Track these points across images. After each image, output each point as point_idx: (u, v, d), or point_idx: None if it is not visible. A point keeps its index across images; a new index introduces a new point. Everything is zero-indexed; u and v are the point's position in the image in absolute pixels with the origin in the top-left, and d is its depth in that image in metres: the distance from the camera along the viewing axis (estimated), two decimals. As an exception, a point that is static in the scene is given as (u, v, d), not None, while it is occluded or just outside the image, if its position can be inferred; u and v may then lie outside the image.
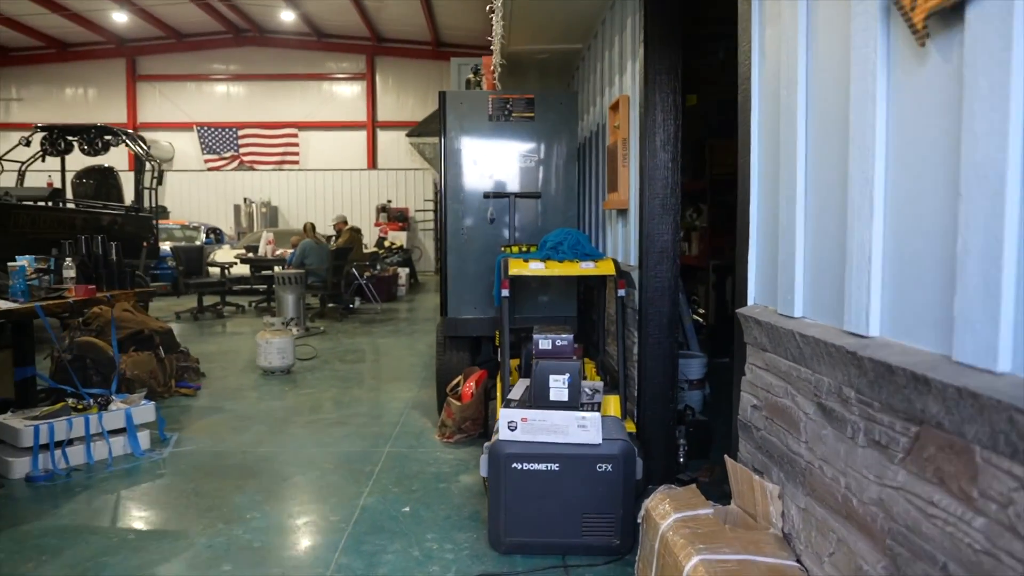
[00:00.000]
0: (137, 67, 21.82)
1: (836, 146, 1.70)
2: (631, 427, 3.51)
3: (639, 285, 3.83)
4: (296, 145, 21.59)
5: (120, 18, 18.79)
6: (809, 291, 1.85)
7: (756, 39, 2.20)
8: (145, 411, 4.59)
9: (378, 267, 13.18)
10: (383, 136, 21.82)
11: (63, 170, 11.11)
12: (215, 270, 12.01)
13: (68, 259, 4.75)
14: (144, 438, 4.56)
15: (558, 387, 2.98)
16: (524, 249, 4.04)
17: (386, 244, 15.73)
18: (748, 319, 2.15)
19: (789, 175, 1.93)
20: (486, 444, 3.18)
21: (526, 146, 4.89)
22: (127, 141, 10.70)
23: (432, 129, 12.53)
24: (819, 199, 1.81)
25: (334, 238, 12.86)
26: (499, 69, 6.12)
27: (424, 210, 21.29)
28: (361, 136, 21.76)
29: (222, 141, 21.48)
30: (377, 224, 20.11)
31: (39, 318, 4.17)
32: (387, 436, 4.85)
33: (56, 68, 21.72)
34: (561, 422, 2.90)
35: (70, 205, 9.62)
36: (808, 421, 1.78)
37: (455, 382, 4.87)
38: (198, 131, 21.42)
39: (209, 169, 21.66)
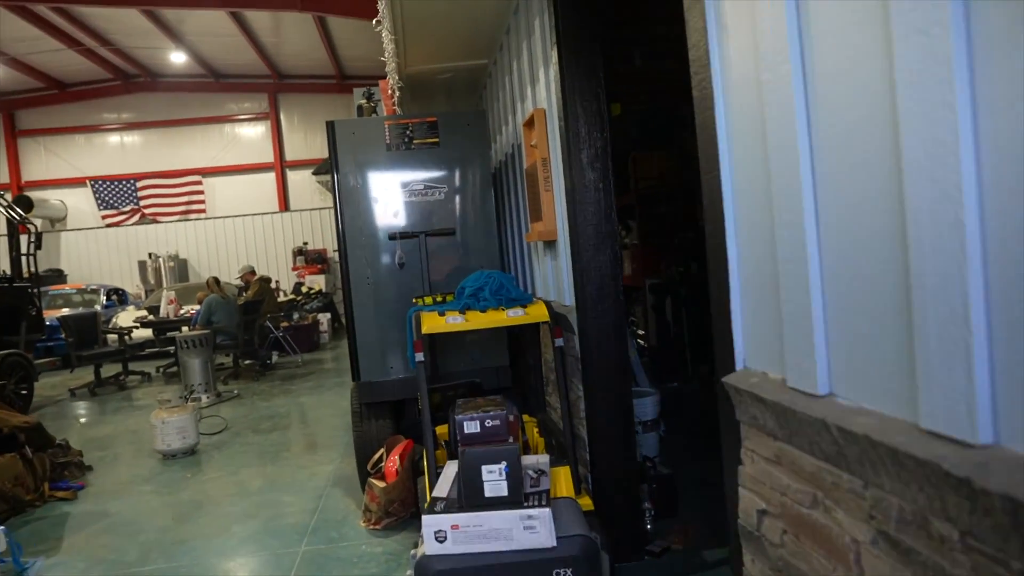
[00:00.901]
0: (16, 122, 20.28)
1: (872, 142, 1.14)
2: (587, 503, 2.89)
3: (579, 329, 3.24)
4: (201, 192, 20.40)
5: (-9, 72, 17.39)
6: (841, 357, 1.28)
7: (711, 6, 1.64)
8: (-6, 539, 3.72)
9: (296, 316, 12.29)
10: (293, 176, 20.85)
11: (-74, 244, 9.91)
12: (114, 337, 10.90)
13: None
14: (-5, 573, 3.69)
15: (494, 480, 2.35)
16: (439, 299, 3.41)
17: (303, 289, 14.82)
18: (741, 393, 1.57)
19: (790, 191, 1.36)
20: (412, 554, 2.51)
21: (433, 176, 4.27)
22: (-4, 205, 9.61)
23: (340, 164, 11.81)
24: (846, 221, 1.24)
25: (242, 291, 11.94)
26: (397, 93, 5.50)
27: (344, 248, 20.40)
28: (270, 177, 20.75)
29: (120, 195, 20.12)
30: (295, 268, 19.11)
31: None
32: (303, 529, 4.10)
33: (-75, 130, 20.03)
34: (502, 525, 2.27)
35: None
36: (864, 553, 1.19)
37: (376, 456, 4.17)
38: (92, 185, 20.01)
39: (108, 225, 20.24)
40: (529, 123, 3.85)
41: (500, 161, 5.20)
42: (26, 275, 9.69)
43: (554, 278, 3.80)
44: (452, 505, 2.39)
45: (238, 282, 12.29)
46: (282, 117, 20.84)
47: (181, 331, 10.97)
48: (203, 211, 20.40)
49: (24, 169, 20.31)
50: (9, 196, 18.53)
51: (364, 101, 5.98)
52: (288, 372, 10.30)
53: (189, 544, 4.08)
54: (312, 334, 12.58)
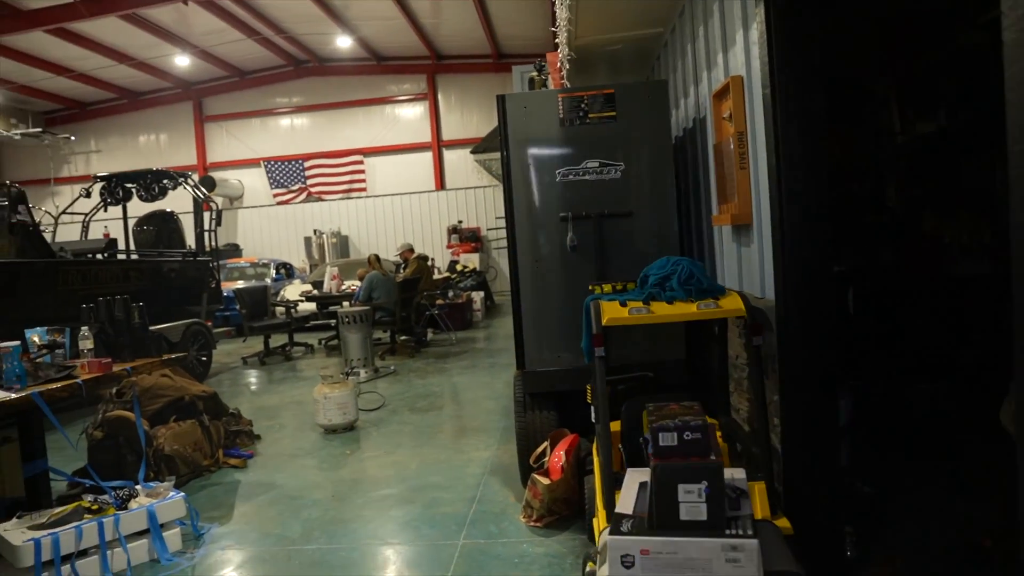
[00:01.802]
0: (204, 108, 21.95)
1: None
2: (785, 526, 2.50)
3: (778, 327, 2.82)
4: (362, 172, 21.21)
5: (183, 62, 18.82)
6: None
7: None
8: (173, 506, 3.84)
9: (451, 294, 12.41)
10: (449, 155, 21.20)
11: (125, 218, 10.80)
12: (282, 309, 11.47)
13: (84, 328, 4.08)
14: (173, 537, 3.81)
15: (692, 501, 2.02)
16: (619, 287, 3.10)
17: (458, 267, 14.98)
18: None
19: None
20: (589, 572, 2.24)
21: (609, 152, 3.94)
22: (183, 183, 10.29)
23: (497, 144, 11.71)
24: None
25: (401, 267, 12.19)
26: (567, 65, 5.20)
27: (497, 228, 20.50)
28: (427, 157, 21.21)
29: (289, 174, 21.31)
30: (449, 246, 19.47)
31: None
32: (461, 519, 3.95)
33: (129, 117, 22.08)
34: (700, 555, 1.95)
35: (122, 256, 9.22)
36: None
37: (540, 450, 3.95)
38: (265, 166, 21.32)
39: (278, 203, 21.53)
40: (721, 93, 3.43)
41: (678, 137, 4.78)
42: (208, 249, 10.34)
43: (746, 266, 3.38)
44: (641, 526, 2.10)
45: (396, 259, 12.57)
46: (440, 97, 21.20)
47: (342, 306, 11.39)
48: (364, 189, 21.20)
49: (209, 151, 21.98)
50: (196, 176, 20.17)
51: (535, 74, 5.74)
52: (442, 350, 10.39)
53: (349, 525, 4.05)
54: (466, 312, 12.66)
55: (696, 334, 4.12)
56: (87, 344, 4.06)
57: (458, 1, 16.40)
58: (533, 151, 3.97)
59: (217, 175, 20.92)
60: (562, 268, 3.97)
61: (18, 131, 20.37)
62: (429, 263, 11.57)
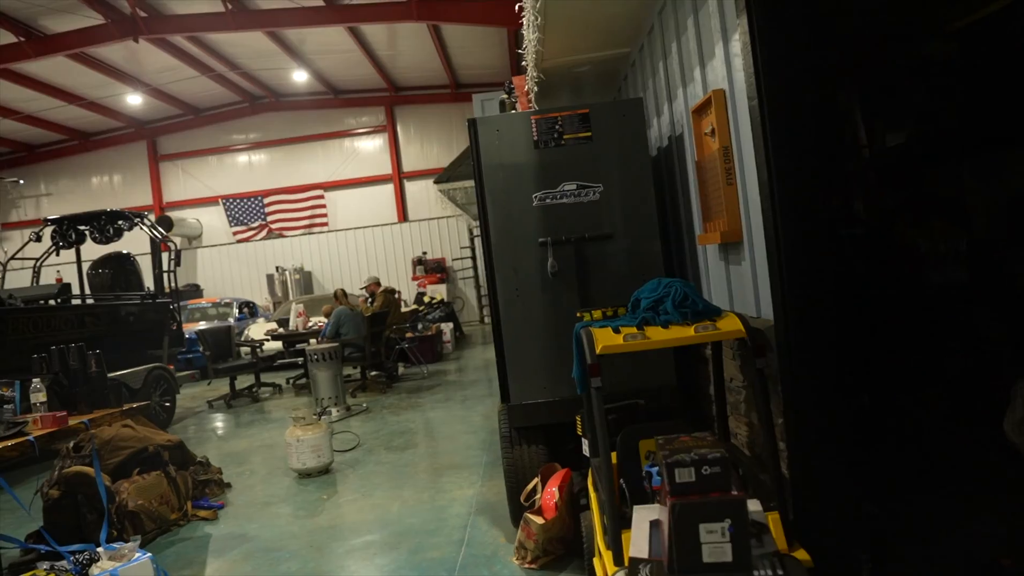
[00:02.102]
0: (158, 147, 21.54)
1: None
2: (805, 558, 2.35)
3: (779, 347, 2.71)
4: (323, 207, 20.95)
5: (135, 100, 18.47)
6: None
7: None
8: (140, 568, 3.57)
9: (420, 327, 12.19)
10: (411, 187, 21.08)
11: (79, 262, 10.42)
12: (247, 349, 11.12)
13: (35, 380, 3.81)
14: (141, 604, 3.54)
15: (715, 542, 1.88)
16: (609, 313, 2.96)
17: (426, 299, 14.77)
18: None
19: None
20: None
21: (586, 174, 3.83)
22: (139, 224, 9.97)
23: (460, 173, 11.63)
24: None
25: (369, 301, 11.95)
26: (535, 88, 5.11)
27: (462, 258, 20.37)
28: (388, 189, 21.05)
29: (248, 211, 20.95)
30: (415, 278, 19.26)
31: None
32: (451, 565, 3.74)
33: (81, 159, 21.57)
34: (728, 600, 1.78)
35: (77, 301, 8.86)
36: None
37: (531, 486, 3.77)
38: (224, 204, 20.94)
39: (239, 241, 21.12)
40: (701, 109, 3.35)
41: (655, 156, 4.71)
42: (167, 291, 10.01)
43: (736, 285, 3.27)
44: (661, 572, 1.94)
45: (363, 293, 12.33)
46: (399, 129, 21.12)
47: (309, 343, 11.10)
48: (325, 224, 20.92)
49: (165, 191, 21.53)
50: (152, 216, 19.70)
51: (505, 96, 5.63)
52: (414, 384, 10.15)
53: (331, 578, 3.81)
54: (436, 344, 12.45)
55: (685, 357, 4.01)
56: (39, 397, 3.79)
57: (414, 33, 16.40)
58: (507, 176, 3.84)
59: (174, 214, 20.48)
60: (543, 295, 3.83)
61: (-37, 176, 19.74)
62: (396, 296, 11.35)
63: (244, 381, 10.79)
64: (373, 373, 10.32)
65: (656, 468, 2.69)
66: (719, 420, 3.24)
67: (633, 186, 3.84)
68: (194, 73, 17.51)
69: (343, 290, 10.03)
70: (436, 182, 11.57)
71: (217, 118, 21.26)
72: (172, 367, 12.01)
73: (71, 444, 4.61)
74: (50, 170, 21.71)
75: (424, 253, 20.26)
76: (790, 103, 2.65)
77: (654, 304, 2.79)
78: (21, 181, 20.82)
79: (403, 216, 20.93)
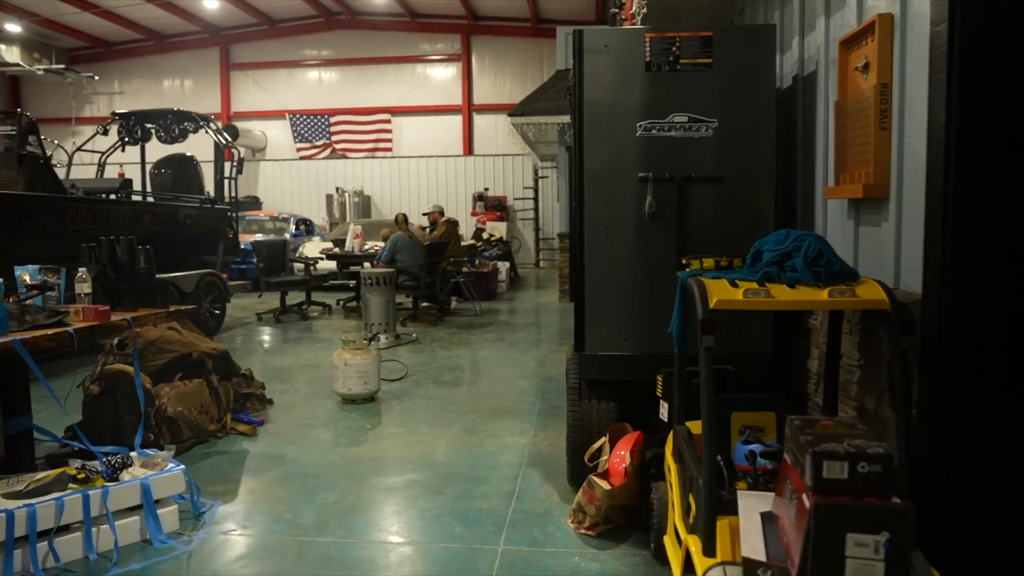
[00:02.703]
0: (231, 55, 21.35)
1: None
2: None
3: (924, 327, 2.26)
4: (389, 131, 20.60)
5: (211, 4, 18.21)
6: None
7: None
8: (172, 479, 3.36)
9: (477, 262, 11.86)
10: (479, 120, 20.55)
11: (143, 160, 10.31)
12: (300, 266, 10.96)
13: (81, 270, 3.57)
14: (170, 515, 3.33)
15: (864, 558, 1.49)
16: (723, 263, 2.54)
17: (484, 236, 14.42)
18: None
19: None
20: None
21: (701, 106, 3.35)
22: (205, 127, 9.76)
23: (536, 108, 11.09)
24: None
25: (428, 230, 11.66)
26: (643, 10, 4.59)
27: (523, 198, 19.90)
28: (456, 120, 20.56)
29: (314, 129, 20.74)
30: (474, 213, 18.91)
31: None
32: (499, 519, 3.45)
33: (155, 60, 21.52)
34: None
35: (138, 198, 8.75)
36: None
37: (597, 446, 3.42)
38: (290, 119, 20.74)
39: (301, 158, 20.99)
40: (853, 40, 2.83)
41: (779, 93, 4.17)
42: (227, 199, 9.84)
43: (870, 249, 2.80)
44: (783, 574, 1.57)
45: (424, 220, 12.03)
46: (474, 59, 20.49)
47: (364, 267, 10.89)
48: (389, 149, 20.61)
49: (234, 100, 21.41)
50: (219, 123, 19.65)
51: (616, 9, 5.12)
52: (466, 320, 9.88)
53: (369, 516, 3.56)
54: (490, 282, 12.13)
55: (780, 325, 3.56)
56: (84, 288, 3.56)
57: (502, -44, 15.69)
58: (612, 99, 3.38)
59: (241, 125, 20.39)
60: (636, 237, 3.41)
61: (40, 66, 19.85)
62: (457, 228, 11.00)
63: (295, 297, 10.66)
64: (424, 304, 10.07)
65: (759, 447, 2.31)
66: (826, 401, 2.81)
67: (752, 125, 3.35)
68: (273, -21, 17.13)
69: (404, 215, 9.72)
70: (510, 115, 11.06)
71: (291, 31, 20.91)
72: (225, 275, 12.03)
73: (115, 340, 4.43)
74: (125, 69, 21.75)
75: (486, 189, 19.84)
76: (991, 32, 2.13)
77: (779, 259, 2.35)
78: (96, 77, 20.87)
79: (468, 149, 20.48)
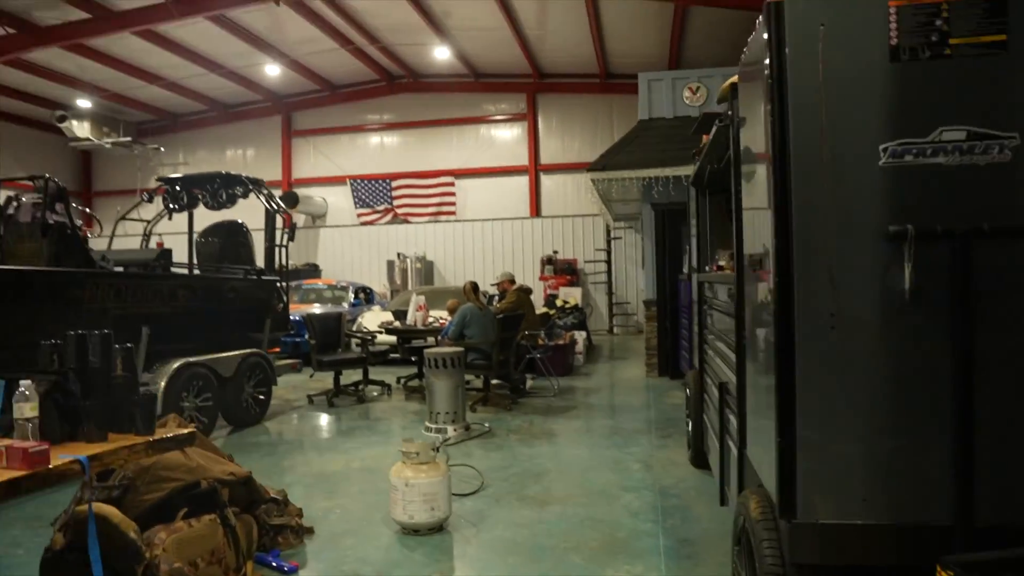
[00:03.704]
0: (292, 123, 21.07)
1: None
2: None
3: None
4: (452, 195, 19.77)
5: (273, 71, 17.89)
6: None
7: None
8: None
9: (554, 333, 10.58)
10: (546, 180, 19.56)
11: (190, 228, 9.49)
12: (358, 340, 9.85)
13: (24, 384, 2.43)
14: None
15: None
16: None
17: (558, 303, 13.17)
18: None
19: None
20: None
21: (987, 112, 2.04)
22: (256, 191, 8.88)
23: (619, 162, 9.94)
24: None
25: (495, 299, 10.48)
26: None
27: (595, 261, 18.64)
28: (523, 182, 19.61)
29: (375, 193, 20.07)
30: (543, 278, 17.72)
31: None
32: None
33: (218, 130, 21.42)
34: None
35: (182, 271, 7.82)
36: None
37: None
38: (351, 184, 20.15)
39: (362, 223, 20.30)
40: None
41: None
42: (278, 268, 8.87)
43: None
44: None
45: (493, 289, 10.86)
46: (540, 118, 19.65)
47: (425, 341, 9.72)
48: (453, 212, 19.76)
49: (295, 167, 21.05)
50: (278, 192, 19.17)
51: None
52: (543, 402, 8.54)
53: None
54: (568, 356, 10.81)
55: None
56: (26, 410, 2.40)
57: (567, 9, 14.85)
58: (834, 106, 2.11)
59: (301, 191, 19.92)
60: (887, 332, 2.08)
61: (109, 140, 19.87)
62: (530, 297, 9.77)
63: (350, 375, 9.54)
64: (494, 381, 8.77)
65: None
66: None
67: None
68: (333, 45, 16.68)
69: (474, 283, 8.53)
70: (589, 170, 9.93)
71: (353, 96, 20.53)
72: (278, 349, 11.02)
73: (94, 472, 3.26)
74: (190, 139, 21.70)
75: (555, 252, 18.68)
76: None
77: None
78: (162, 148, 20.83)
79: (535, 211, 19.45)
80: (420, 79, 19.95)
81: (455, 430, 6.93)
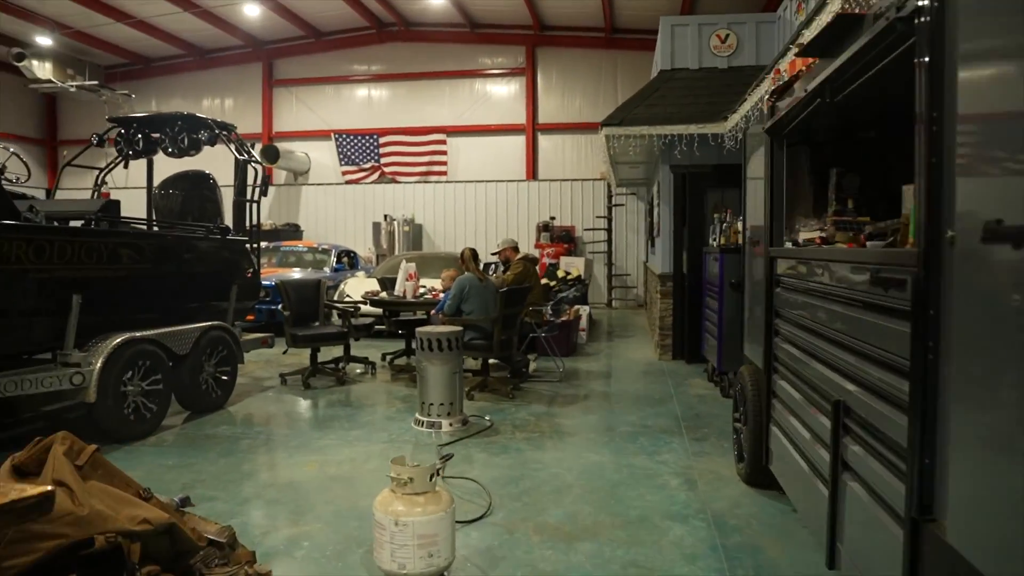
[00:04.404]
0: (274, 71, 19.60)
1: None
2: None
3: None
4: (444, 153, 18.50)
5: (253, 11, 16.44)
6: None
7: None
8: None
9: (561, 309, 9.49)
10: (545, 141, 18.33)
11: (149, 178, 8.25)
12: (340, 309, 8.72)
13: None
14: None
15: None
16: None
17: (559, 274, 12.06)
18: None
19: None
20: None
21: None
22: (222, 137, 7.65)
23: (639, 116, 8.76)
24: None
25: (494, 269, 9.36)
26: None
27: (595, 228, 17.52)
28: (519, 141, 18.37)
29: (362, 150, 18.75)
30: (538, 245, 16.60)
31: None
32: None
33: (194, 77, 19.91)
34: None
35: (138, 228, 6.63)
36: None
37: None
38: (336, 139, 18.81)
39: (347, 182, 19.00)
40: None
41: None
42: (248, 227, 7.68)
43: None
44: None
45: (493, 258, 9.72)
46: (539, 74, 18.35)
47: (415, 314, 8.61)
48: (444, 173, 18.50)
49: (276, 119, 19.66)
50: (258, 146, 17.78)
51: None
52: (549, 389, 7.49)
53: None
54: (572, 333, 9.75)
55: None
56: None
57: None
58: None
59: (283, 145, 18.55)
60: None
61: (74, 83, 18.31)
62: (536, 268, 8.65)
63: (329, 352, 8.44)
64: (492, 361, 7.69)
65: None
66: None
67: None
68: (320, -16, 15.27)
69: (473, 251, 7.37)
70: (604, 124, 8.75)
71: (339, 44, 19.09)
72: (252, 317, 9.87)
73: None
74: (163, 86, 20.17)
75: (552, 218, 17.54)
76: None
77: None
78: (133, 95, 19.26)
79: (532, 174, 18.24)
80: (412, 28, 18.54)
81: (451, 424, 5.87)
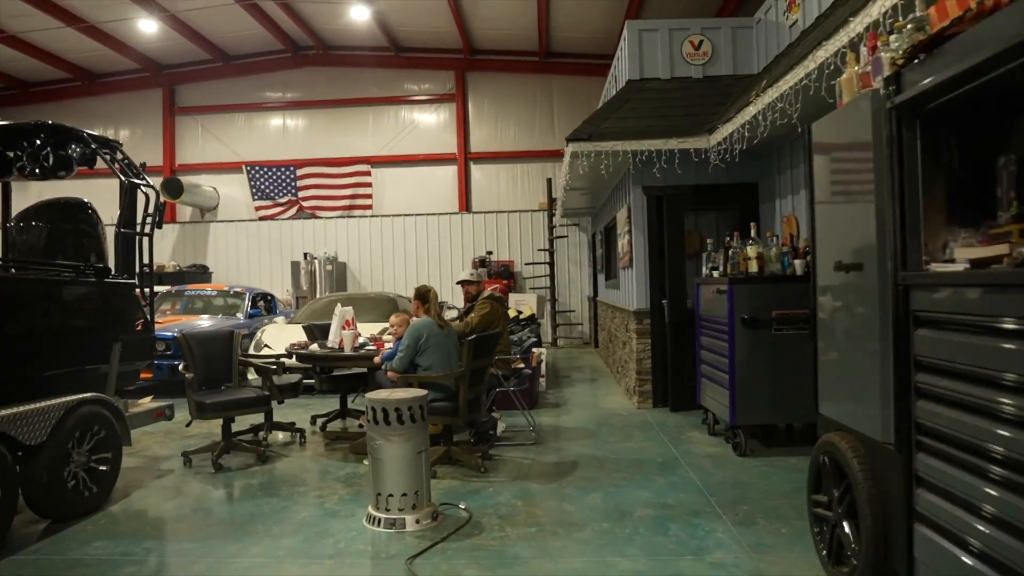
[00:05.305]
0: (176, 98, 17.73)
1: None
2: None
3: None
4: (369, 185, 17.00)
5: (149, 28, 14.64)
6: None
7: None
8: None
9: (529, 356, 8.11)
10: (478, 171, 17.10)
11: (6, 206, 6.51)
12: (262, 364, 7.07)
13: None
14: None
15: None
16: None
17: (510, 313, 10.69)
18: None
19: None
20: None
21: None
22: (101, 154, 6.02)
23: (609, 130, 7.59)
24: None
25: (455, 310, 7.93)
26: None
27: (535, 263, 16.31)
28: (450, 172, 17.06)
29: (277, 183, 17.03)
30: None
31: None
32: None
33: (83, 104, 17.73)
34: None
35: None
36: None
37: None
38: (248, 171, 17.03)
39: (261, 218, 17.20)
40: None
41: None
42: (138, 270, 6.04)
43: None
44: None
45: (445, 301, 8.27)
46: (470, 101, 17.18)
47: (349, 369, 7.07)
48: (369, 206, 16.99)
49: (179, 151, 17.73)
50: (159, 179, 15.79)
51: None
52: (526, 457, 6.08)
53: None
54: (534, 382, 8.38)
55: None
56: None
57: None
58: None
59: (188, 179, 16.67)
60: None
61: (-64, 111, 15.92)
62: (505, 309, 7.25)
63: (246, 420, 6.80)
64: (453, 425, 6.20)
65: None
66: None
67: None
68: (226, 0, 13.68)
69: (429, 288, 5.93)
70: (570, 140, 7.53)
71: (251, 68, 17.44)
72: (150, 375, 8.11)
73: None
74: (46, 114, 17.67)
75: (489, 253, 16.25)
76: None
77: None
78: (9, 123, 16.97)
79: (465, 206, 16.94)
80: (331, 51, 17.11)
81: (418, 521, 4.37)
